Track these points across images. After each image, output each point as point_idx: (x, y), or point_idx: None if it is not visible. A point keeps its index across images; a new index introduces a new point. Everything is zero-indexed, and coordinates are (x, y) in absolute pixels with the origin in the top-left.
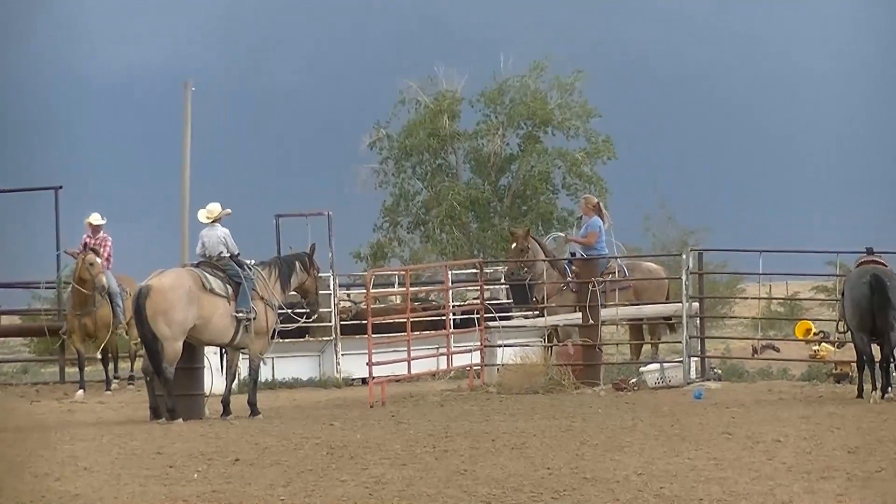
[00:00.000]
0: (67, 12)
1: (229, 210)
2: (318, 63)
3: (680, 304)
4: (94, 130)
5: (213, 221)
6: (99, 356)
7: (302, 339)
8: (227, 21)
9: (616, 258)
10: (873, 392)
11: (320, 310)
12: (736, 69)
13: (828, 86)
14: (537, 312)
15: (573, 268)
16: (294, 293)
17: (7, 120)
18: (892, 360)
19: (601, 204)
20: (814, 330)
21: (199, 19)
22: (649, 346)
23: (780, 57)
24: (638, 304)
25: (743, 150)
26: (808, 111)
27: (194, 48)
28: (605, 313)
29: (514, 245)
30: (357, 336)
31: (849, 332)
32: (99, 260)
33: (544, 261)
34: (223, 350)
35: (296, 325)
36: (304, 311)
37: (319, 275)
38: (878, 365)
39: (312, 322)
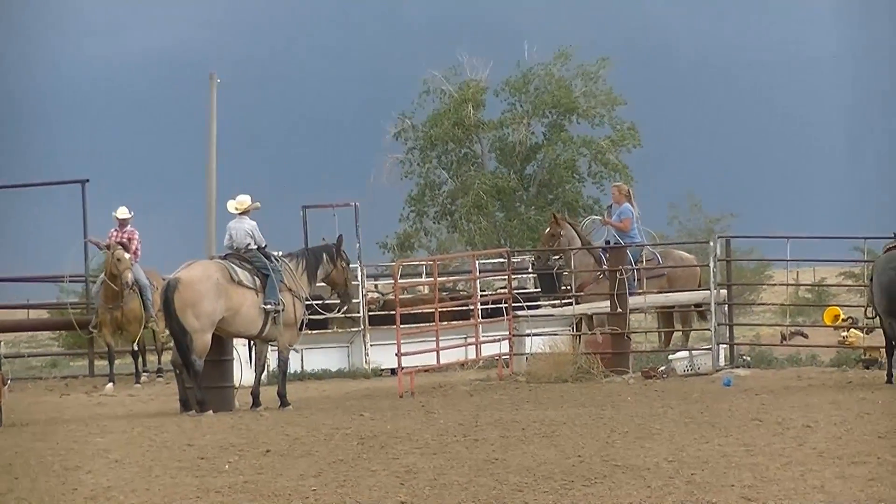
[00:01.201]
0: (94, 4)
1: (258, 203)
2: (342, 54)
3: (708, 292)
4: (119, 123)
5: (241, 213)
6: (135, 347)
7: (330, 331)
8: (253, 12)
9: (648, 246)
10: None
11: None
12: (760, 53)
13: (850, 69)
14: (565, 301)
15: (607, 256)
16: (322, 284)
17: (33, 113)
18: None
19: (631, 191)
20: (842, 316)
21: (224, 8)
22: (679, 333)
23: (803, 40)
24: (666, 292)
25: (768, 135)
26: (832, 95)
27: (219, 38)
28: (633, 301)
29: (547, 230)
30: (385, 326)
31: (877, 317)
32: (127, 255)
33: (576, 249)
34: (252, 342)
35: (320, 317)
36: (335, 303)
37: (348, 266)
38: None
39: (336, 314)
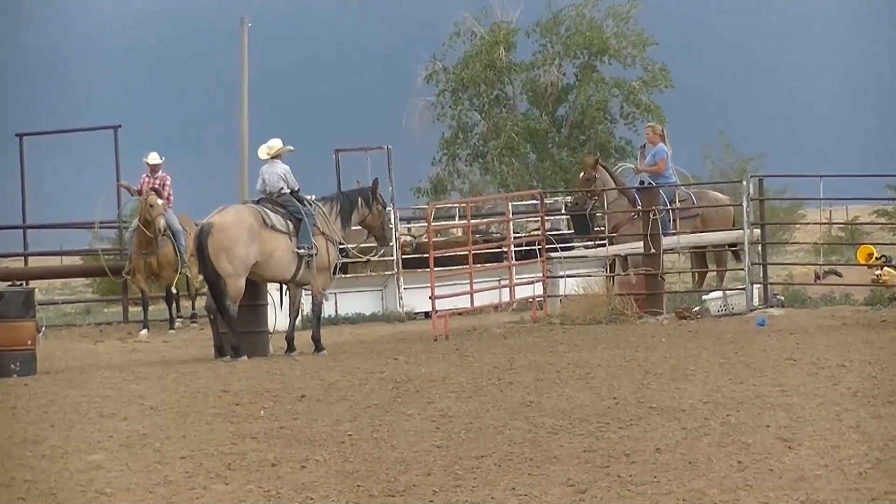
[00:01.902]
0: None
1: (291, 147)
2: None
3: (741, 231)
4: (150, 69)
5: (273, 157)
6: (174, 290)
7: (364, 274)
8: None
9: (682, 187)
10: None
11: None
12: None
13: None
14: (598, 242)
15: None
16: (359, 227)
17: (64, 60)
18: None
19: (665, 131)
20: (876, 254)
21: None
22: (713, 274)
23: None
24: (699, 233)
25: (800, 75)
26: (864, 33)
27: None
28: (666, 242)
29: (581, 174)
30: (419, 270)
31: None
32: (160, 201)
33: (609, 190)
34: (285, 286)
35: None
36: (371, 245)
37: (384, 209)
38: None
39: (372, 256)
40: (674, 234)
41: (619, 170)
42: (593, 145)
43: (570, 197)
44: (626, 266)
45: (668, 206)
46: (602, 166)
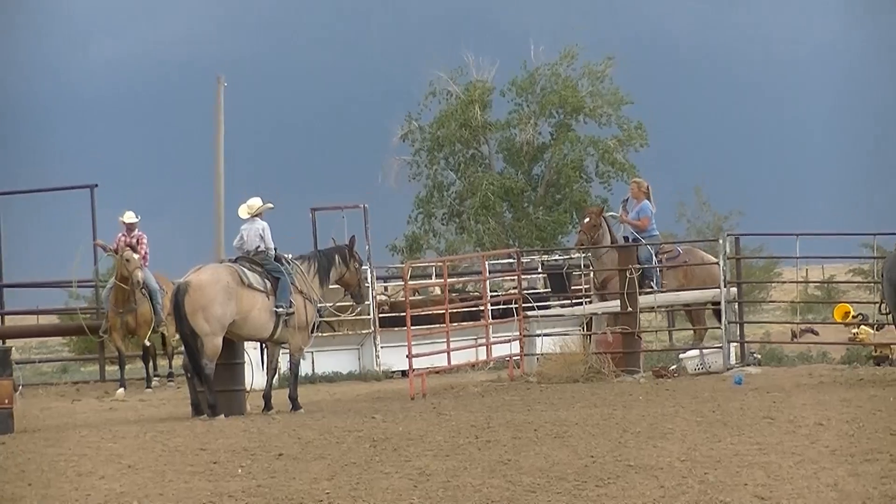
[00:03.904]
0: (100, 6)
1: (271, 204)
2: (347, 56)
3: (717, 290)
4: (126, 127)
5: (253, 216)
6: (145, 351)
7: (340, 333)
8: (257, 12)
9: (672, 243)
10: None
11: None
12: (762, 51)
13: (854, 68)
14: (575, 301)
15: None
16: (336, 286)
17: (39, 117)
18: None
19: (650, 188)
20: (852, 313)
21: (228, 10)
22: (691, 332)
23: (808, 37)
24: (684, 290)
25: (774, 133)
26: (840, 92)
27: (225, 39)
28: (643, 300)
29: (587, 220)
30: (396, 328)
31: (889, 314)
32: (136, 256)
33: (603, 247)
34: (263, 345)
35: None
36: (348, 304)
37: (361, 266)
38: None
39: (351, 316)
40: (658, 291)
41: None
42: (569, 204)
43: (546, 255)
44: (612, 322)
45: (653, 262)
46: (604, 218)
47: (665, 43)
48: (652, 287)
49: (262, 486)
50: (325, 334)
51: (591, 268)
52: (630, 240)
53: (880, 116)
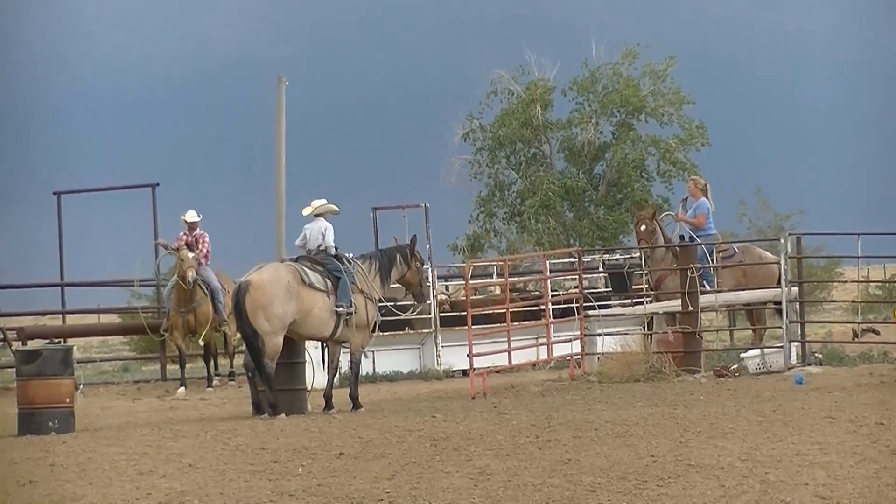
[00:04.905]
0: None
1: (336, 207)
2: (407, 55)
3: (777, 290)
4: (188, 128)
5: (317, 215)
6: (206, 350)
7: (402, 332)
8: (318, 13)
9: (728, 242)
10: None
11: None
12: (828, 47)
13: None
14: (636, 300)
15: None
16: (397, 285)
17: (104, 117)
18: None
19: (708, 186)
20: None
21: (289, 11)
22: (751, 331)
23: (876, 40)
24: (742, 289)
25: (838, 131)
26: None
27: (285, 41)
28: (704, 300)
29: (643, 227)
30: (457, 328)
31: None
32: (191, 254)
33: (658, 247)
34: (324, 344)
35: (395, 318)
36: (408, 304)
37: (422, 266)
38: None
39: (411, 315)
40: (715, 291)
41: (660, 217)
42: (630, 203)
43: (606, 255)
44: (671, 321)
45: (709, 262)
46: (656, 221)
47: (725, 40)
48: (704, 286)
49: (323, 485)
50: (386, 334)
51: (634, 272)
52: (686, 238)
53: None
